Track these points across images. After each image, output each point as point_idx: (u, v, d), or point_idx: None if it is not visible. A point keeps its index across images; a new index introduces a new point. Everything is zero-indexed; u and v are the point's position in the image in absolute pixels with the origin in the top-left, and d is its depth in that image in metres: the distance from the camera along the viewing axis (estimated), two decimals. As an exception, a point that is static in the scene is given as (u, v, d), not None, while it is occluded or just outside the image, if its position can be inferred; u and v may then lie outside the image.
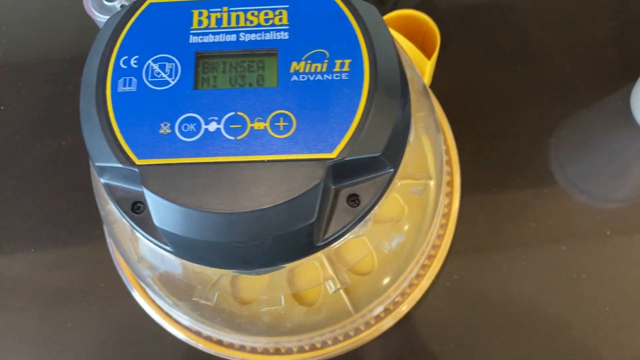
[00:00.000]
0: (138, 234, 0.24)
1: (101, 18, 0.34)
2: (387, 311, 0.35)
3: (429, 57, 0.39)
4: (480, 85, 0.44)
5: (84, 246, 0.42)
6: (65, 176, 0.44)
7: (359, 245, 0.29)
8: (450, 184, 0.38)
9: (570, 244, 0.41)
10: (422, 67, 0.39)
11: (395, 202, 0.30)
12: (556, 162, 0.42)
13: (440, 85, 0.42)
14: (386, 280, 0.33)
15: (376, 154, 0.22)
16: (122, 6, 0.35)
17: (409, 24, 0.40)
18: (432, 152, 0.32)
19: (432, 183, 0.32)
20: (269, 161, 0.22)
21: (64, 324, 0.40)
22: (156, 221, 0.22)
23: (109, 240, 0.37)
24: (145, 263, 0.28)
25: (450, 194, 0.38)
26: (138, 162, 0.22)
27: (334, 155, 0.22)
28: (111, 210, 0.29)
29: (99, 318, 0.39)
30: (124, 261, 0.31)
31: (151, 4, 0.25)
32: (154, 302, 0.36)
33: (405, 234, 0.31)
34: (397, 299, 0.35)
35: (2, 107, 0.46)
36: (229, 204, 0.21)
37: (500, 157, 0.43)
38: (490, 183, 0.42)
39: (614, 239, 0.41)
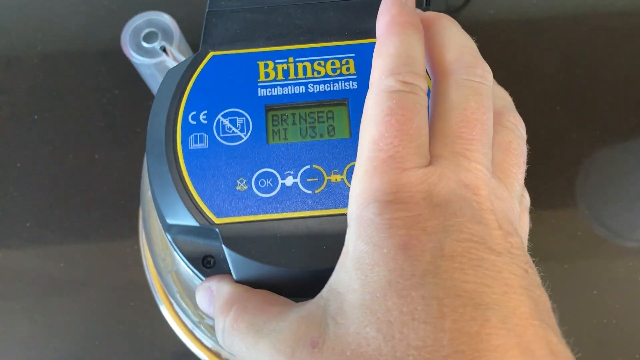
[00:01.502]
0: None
1: (138, 60, 0.34)
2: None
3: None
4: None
5: (114, 263, 0.41)
6: (97, 191, 0.43)
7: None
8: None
9: (601, 288, 0.40)
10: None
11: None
12: (591, 205, 0.42)
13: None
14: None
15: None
16: (161, 48, 0.35)
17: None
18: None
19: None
20: (348, 214, 0.22)
21: (92, 342, 0.39)
22: (237, 278, 0.22)
23: (145, 262, 0.36)
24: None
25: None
26: (217, 221, 0.22)
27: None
28: (171, 258, 0.29)
29: (128, 337, 0.39)
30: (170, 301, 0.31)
31: (214, 56, 0.24)
32: (185, 326, 0.35)
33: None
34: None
35: (36, 117, 0.45)
36: (312, 261, 0.21)
37: (534, 198, 0.42)
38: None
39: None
